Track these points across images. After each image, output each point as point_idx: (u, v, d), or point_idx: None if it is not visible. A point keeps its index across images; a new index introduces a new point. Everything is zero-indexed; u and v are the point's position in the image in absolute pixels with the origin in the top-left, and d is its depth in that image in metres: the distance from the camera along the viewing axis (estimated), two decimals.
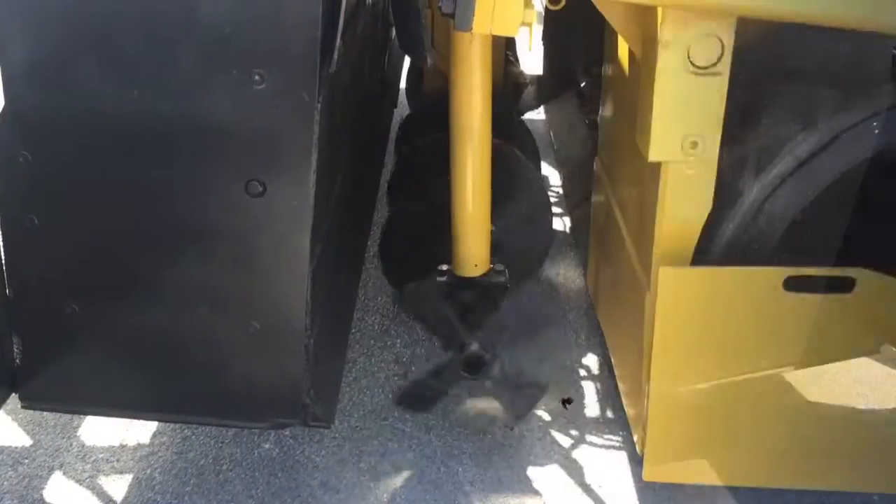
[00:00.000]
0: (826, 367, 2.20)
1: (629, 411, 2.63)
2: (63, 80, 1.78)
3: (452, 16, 1.80)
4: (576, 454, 2.74)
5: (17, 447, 2.72)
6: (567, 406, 2.93)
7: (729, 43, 1.94)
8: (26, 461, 2.67)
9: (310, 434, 2.79)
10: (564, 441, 2.79)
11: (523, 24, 1.83)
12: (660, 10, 1.93)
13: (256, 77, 1.73)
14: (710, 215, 2.18)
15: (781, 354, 2.17)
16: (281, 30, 1.71)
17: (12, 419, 2.82)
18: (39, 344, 2.04)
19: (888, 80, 2.13)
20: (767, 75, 2.27)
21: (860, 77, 2.15)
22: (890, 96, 2.12)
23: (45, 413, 2.83)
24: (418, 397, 2.65)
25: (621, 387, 2.78)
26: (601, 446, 2.77)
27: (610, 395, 2.96)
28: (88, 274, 1.95)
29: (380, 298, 3.52)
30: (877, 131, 2.15)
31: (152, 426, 2.82)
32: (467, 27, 1.79)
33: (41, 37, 1.75)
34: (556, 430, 2.84)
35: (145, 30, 1.73)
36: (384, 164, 4.10)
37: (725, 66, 1.97)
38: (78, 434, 2.78)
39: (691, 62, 1.96)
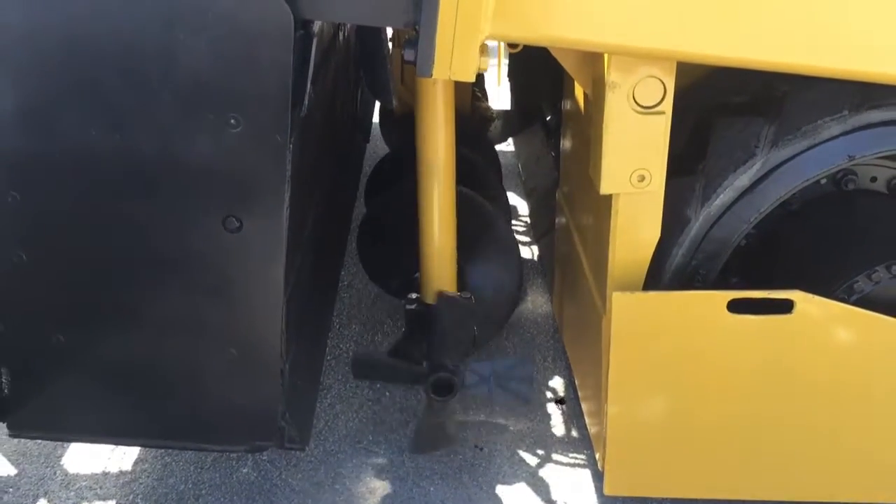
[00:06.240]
0: (781, 380, 2.34)
1: (592, 430, 2.77)
2: (51, 125, 1.88)
3: (414, 63, 1.94)
4: (543, 472, 2.86)
5: (1, 476, 2.80)
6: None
7: (670, 84, 2.10)
8: (11, 490, 2.75)
9: (286, 459, 2.89)
10: (532, 460, 2.91)
11: (479, 69, 1.97)
12: (606, 55, 2.09)
13: (232, 121, 1.85)
14: (659, 243, 2.33)
15: (729, 373, 2.31)
16: (255, 77, 1.83)
17: None
18: (27, 374, 2.13)
19: (822, 115, 2.29)
20: (710, 112, 2.44)
21: (797, 113, 2.31)
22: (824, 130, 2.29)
23: (29, 443, 2.91)
24: (429, 439, 2.76)
25: (584, 407, 2.92)
26: (567, 464, 2.89)
27: (575, 416, 3.09)
28: (74, 306, 2.05)
29: (353, 326, 3.64)
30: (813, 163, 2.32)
31: (133, 454, 2.90)
32: (428, 73, 1.92)
33: (30, 84, 1.86)
34: (523, 449, 2.96)
35: (129, 77, 1.84)
36: (356, 199, 4.23)
37: (668, 106, 2.12)
38: (62, 463, 2.87)
39: (636, 102, 2.11)
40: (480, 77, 4.57)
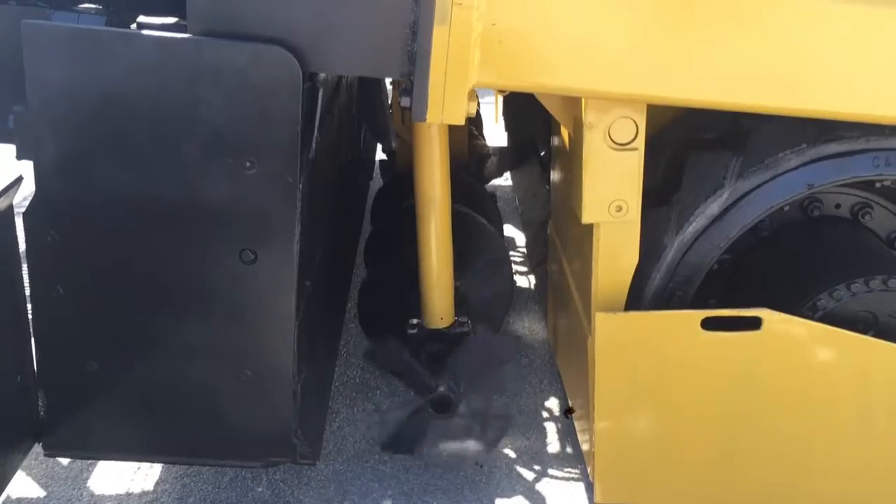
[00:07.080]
0: (752, 393, 2.53)
1: (583, 446, 2.95)
2: (86, 172, 2.11)
3: (410, 109, 2.16)
4: (539, 486, 3.04)
5: (31, 498, 2.99)
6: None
7: (642, 123, 2.32)
8: None
9: (298, 478, 3.08)
10: (528, 475, 3.10)
11: (468, 114, 2.19)
12: (584, 99, 2.32)
13: (248, 164, 2.07)
14: (640, 268, 2.53)
15: (704, 386, 2.50)
16: (268, 125, 2.06)
17: (27, 473, 3.08)
18: (62, 398, 2.33)
19: (783, 148, 2.50)
20: (683, 148, 2.65)
21: (761, 147, 2.53)
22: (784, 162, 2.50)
23: (56, 466, 3.11)
24: (400, 441, 2.95)
25: (577, 424, 3.10)
26: (561, 478, 3.07)
27: (569, 433, 3.27)
28: (106, 335, 2.25)
29: (359, 355, 3.83)
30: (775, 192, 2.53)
31: (155, 475, 3.09)
32: (422, 118, 2.13)
33: (68, 136, 2.08)
34: (521, 465, 3.14)
35: (155, 128, 2.07)
36: (361, 233, 4.46)
37: (641, 143, 2.34)
38: (88, 485, 3.05)
39: (612, 140, 2.33)
40: (478, 116, 4.81)
